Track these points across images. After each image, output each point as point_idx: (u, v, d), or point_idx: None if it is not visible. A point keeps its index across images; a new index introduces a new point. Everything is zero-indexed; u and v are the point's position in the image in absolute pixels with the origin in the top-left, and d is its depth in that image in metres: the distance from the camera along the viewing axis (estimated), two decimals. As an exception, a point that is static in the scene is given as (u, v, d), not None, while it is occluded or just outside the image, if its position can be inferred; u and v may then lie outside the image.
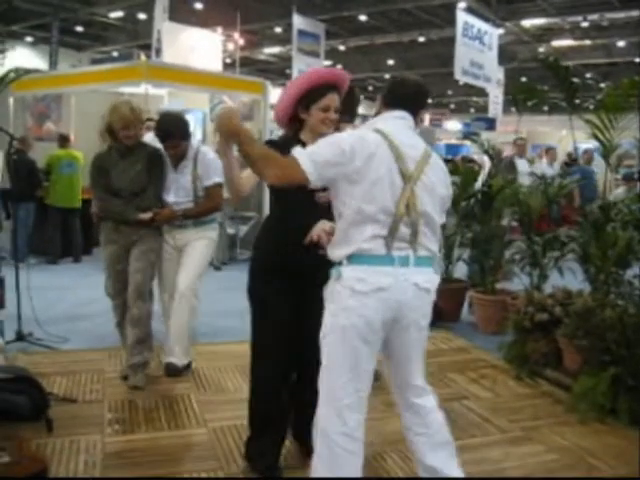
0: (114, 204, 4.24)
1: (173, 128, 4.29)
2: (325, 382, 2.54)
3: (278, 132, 17.33)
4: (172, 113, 4.39)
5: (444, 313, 5.85)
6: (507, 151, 11.71)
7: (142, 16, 18.45)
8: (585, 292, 4.72)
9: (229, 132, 2.51)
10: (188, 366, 4.63)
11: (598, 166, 10.93)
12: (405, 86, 2.70)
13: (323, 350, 2.54)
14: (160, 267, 4.52)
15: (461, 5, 13.26)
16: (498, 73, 14.55)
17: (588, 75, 26.02)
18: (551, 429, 3.87)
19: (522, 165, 9.84)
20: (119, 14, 19.25)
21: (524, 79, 23.66)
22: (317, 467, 2.53)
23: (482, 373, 4.90)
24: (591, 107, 4.93)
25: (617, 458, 3.52)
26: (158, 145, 4.41)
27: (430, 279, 2.56)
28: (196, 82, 9.21)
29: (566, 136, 9.06)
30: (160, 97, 9.98)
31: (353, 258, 2.46)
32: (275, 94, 20.34)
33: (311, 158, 2.41)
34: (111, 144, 4.28)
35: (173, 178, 4.41)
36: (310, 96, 2.95)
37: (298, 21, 13.45)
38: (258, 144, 2.54)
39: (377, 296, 2.44)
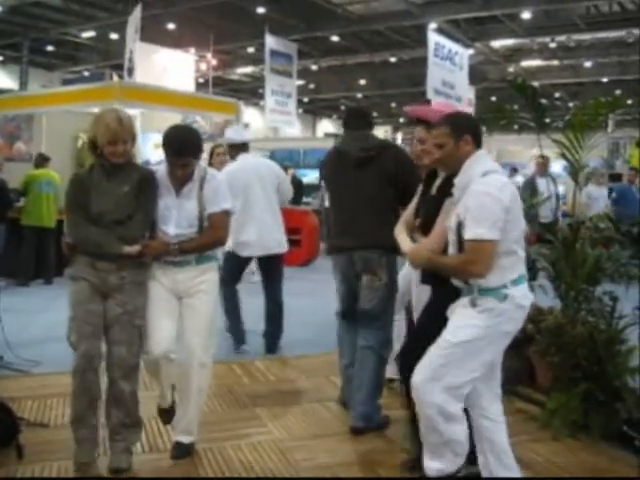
0: (92, 232, 3.34)
1: (187, 143, 3.45)
2: (455, 376, 2.90)
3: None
4: (183, 126, 3.58)
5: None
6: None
7: (114, 36, 18.45)
8: (556, 309, 4.77)
9: (425, 265, 3.13)
10: None
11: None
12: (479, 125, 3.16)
13: (467, 350, 2.88)
14: (152, 313, 3.51)
15: (432, 26, 13.47)
16: (469, 93, 14.71)
17: (557, 94, 26.50)
18: (525, 446, 3.89)
19: (544, 185, 9.39)
20: (91, 34, 19.23)
21: (494, 99, 24.03)
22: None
23: (456, 391, 4.91)
24: (560, 126, 4.99)
25: (589, 474, 3.56)
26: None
27: None
28: (169, 103, 9.22)
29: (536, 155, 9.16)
30: (132, 118, 9.95)
31: (517, 281, 2.90)
32: (248, 114, 20.22)
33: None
34: (94, 162, 3.45)
35: (174, 204, 3.50)
36: None
37: (270, 41, 13.51)
38: (445, 258, 3.01)
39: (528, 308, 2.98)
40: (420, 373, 2.92)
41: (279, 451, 3.74)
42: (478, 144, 2.99)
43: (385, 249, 3.87)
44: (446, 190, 3.09)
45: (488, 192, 2.80)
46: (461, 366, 2.89)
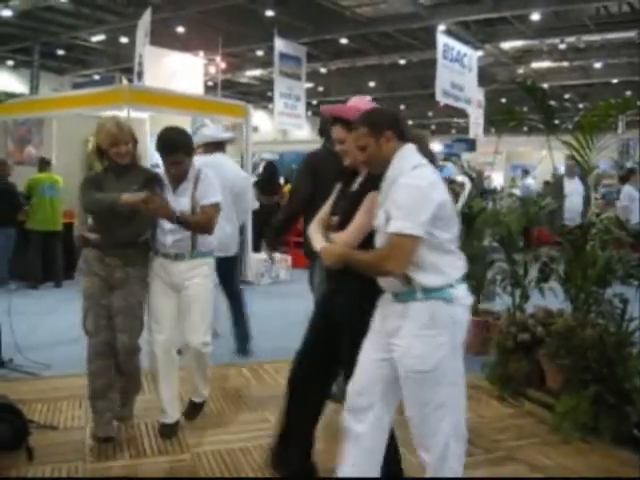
0: (98, 196, 3.73)
1: (177, 142, 3.80)
2: (452, 405, 2.72)
3: (261, 155, 17.32)
4: (174, 127, 3.93)
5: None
6: (487, 171, 11.53)
7: (124, 40, 18.51)
8: (566, 312, 4.75)
9: (339, 263, 2.77)
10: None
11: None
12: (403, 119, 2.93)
13: (439, 380, 2.65)
14: (152, 305, 3.95)
15: (441, 28, 13.45)
16: (478, 94, 14.69)
17: (567, 96, 26.40)
18: (535, 449, 3.88)
19: (572, 186, 9.18)
20: (101, 38, 19.29)
21: (504, 100, 23.96)
22: None
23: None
24: (570, 128, 4.98)
25: (600, 477, 3.54)
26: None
27: None
28: (178, 106, 9.20)
29: (546, 156, 9.10)
30: (142, 121, 9.99)
31: (460, 280, 2.71)
32: (257, 117, 20.20)
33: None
34: (105, 166, 3.87)
35: (171, 201, 3.83)
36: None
37: (279, 44, 13.52)
38: (359, 254, 2.73)
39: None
40: (414, 412, 2.75)
41: (287, 454, 3.73)
42: (402, 137, 2.78)
43: None
44: (369, 186, 2.93)
45: (418, 185, 2.57)
46: (447, 386, 2.70)
